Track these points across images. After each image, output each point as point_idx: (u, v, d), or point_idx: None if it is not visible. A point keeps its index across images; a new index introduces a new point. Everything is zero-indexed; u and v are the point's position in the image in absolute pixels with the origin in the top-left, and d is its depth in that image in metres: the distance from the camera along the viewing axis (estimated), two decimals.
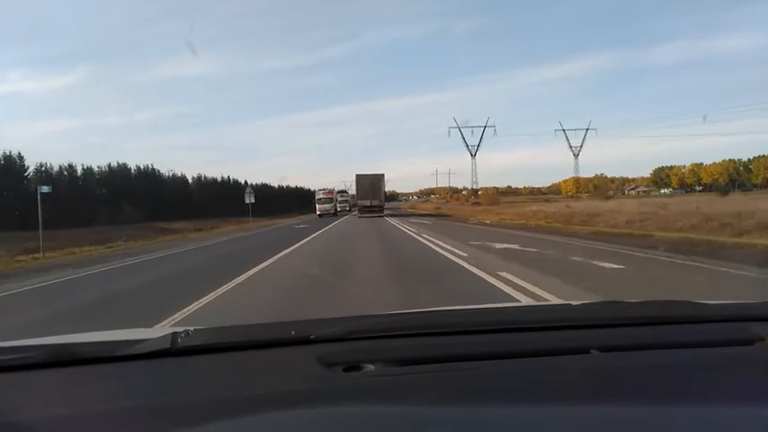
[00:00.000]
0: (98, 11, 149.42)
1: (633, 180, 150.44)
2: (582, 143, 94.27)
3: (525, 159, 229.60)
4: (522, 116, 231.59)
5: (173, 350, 1.10)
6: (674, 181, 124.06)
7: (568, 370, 1.05)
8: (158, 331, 1.23)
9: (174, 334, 1.14)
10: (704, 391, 0.95)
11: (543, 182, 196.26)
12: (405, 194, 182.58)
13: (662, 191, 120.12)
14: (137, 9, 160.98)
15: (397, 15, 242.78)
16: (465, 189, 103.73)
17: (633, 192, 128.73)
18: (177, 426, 0.81)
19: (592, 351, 1.12)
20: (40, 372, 1.07)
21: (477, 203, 62.62)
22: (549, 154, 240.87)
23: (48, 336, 1.38)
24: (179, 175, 60.42)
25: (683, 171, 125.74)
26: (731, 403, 0.89)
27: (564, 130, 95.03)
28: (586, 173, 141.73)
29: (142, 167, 53.75)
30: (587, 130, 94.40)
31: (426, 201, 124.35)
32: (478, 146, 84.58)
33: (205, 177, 64.70)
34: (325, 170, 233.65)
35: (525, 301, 5.15)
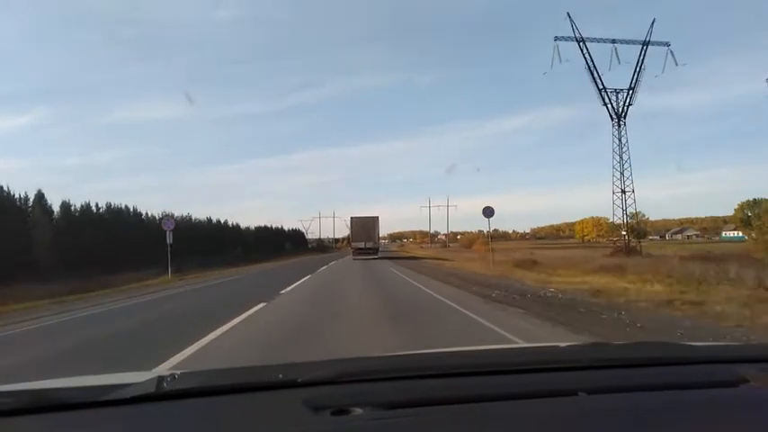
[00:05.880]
0: (61, 52, 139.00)
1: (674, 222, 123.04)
2: None
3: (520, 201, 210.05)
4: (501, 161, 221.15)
5: (158, 395, 1.08)
6: None
7: (555, 412, 1.05)
8: (143, 375, 1.21)
9: (160, 378, 1.13)
10: None
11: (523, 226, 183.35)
12: None
13: (734, 234, 71.63)
14: (103, 51, 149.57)
15: (363, 65, 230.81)
16: (438, 234, 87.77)
17: (679, 237, 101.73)
18: None
19: (579, 393, 1.11)
20: (18, 419, 1.03)
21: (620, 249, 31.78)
22: (526, 198, 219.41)
23: (27, 381, 1.31)
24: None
25: None
26: None
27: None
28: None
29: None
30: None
31: (402, 246, 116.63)
32: (636, 81, 37.92)
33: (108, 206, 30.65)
34: (284, 214, 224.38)
35: None
